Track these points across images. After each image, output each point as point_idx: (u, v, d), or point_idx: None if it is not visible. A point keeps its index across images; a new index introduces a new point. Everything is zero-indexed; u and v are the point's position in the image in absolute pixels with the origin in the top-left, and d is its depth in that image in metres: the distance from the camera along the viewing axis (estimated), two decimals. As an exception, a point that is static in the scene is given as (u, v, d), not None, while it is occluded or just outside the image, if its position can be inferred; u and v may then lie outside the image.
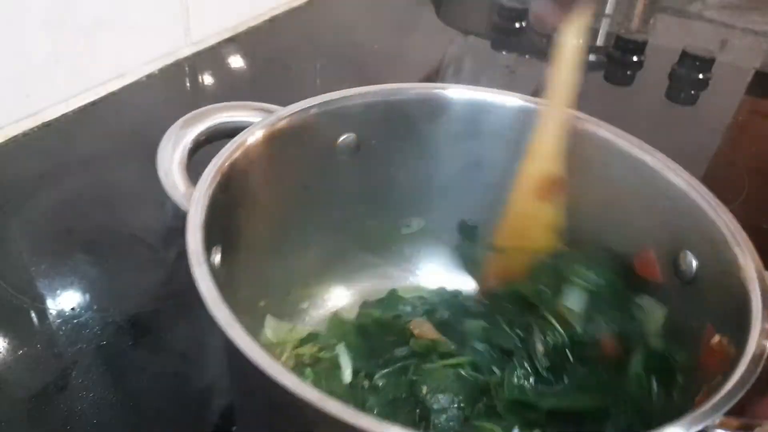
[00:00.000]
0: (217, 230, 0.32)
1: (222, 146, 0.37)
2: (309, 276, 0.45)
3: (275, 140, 0.39)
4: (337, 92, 0.41)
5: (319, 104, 0.41)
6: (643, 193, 0.39)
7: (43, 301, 0.48)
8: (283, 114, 0.39)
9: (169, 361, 0.44)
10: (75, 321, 0.46)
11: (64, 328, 0.46)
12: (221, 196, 0.34)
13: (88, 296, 0.48)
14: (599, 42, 0.98)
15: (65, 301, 0.48)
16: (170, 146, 0.38)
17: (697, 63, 0.85)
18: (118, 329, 0.46)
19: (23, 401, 0.41)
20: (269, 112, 0.40)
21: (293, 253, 0.43)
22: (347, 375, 0.40)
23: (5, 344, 0.44)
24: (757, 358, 0.27)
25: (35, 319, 0.46)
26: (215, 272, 0.29)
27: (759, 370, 0.26)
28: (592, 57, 0.94)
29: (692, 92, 0.86)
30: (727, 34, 1.01)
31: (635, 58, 0.89)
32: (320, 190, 0.43)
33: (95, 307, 0.47)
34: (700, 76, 0.85)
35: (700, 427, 0.24)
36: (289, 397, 0.24)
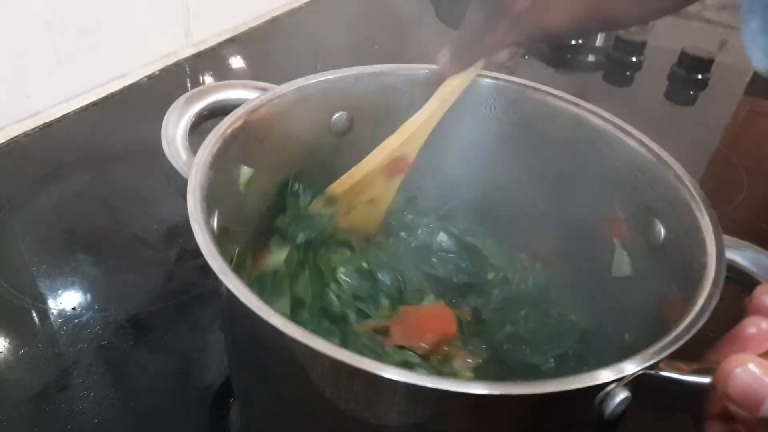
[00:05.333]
0: (216, 196, 0.34)
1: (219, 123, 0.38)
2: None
3: (273, 114, 0.41)
4: (333, 71, 0.43)
5: (316, 82, 0.43)
6: (614, 167, 0.40)
7: (44, 301, 0.48)
8: (280, 91, 0.41)
9: (169, 361, 0.44)
10: (76, 321, 0.46)
11: (65, 327, 0.46)
12: (220, 162, 0.35)
13: (88, 296, 0.49)
14: (599, 42, 0.98)
15: (66, 300, 0.48)
16: (174, 118, 0.40)
17: (696, 63, 0.85)
18: (118, 329, 0.46)
19: (24, 401, 0.41)
20: (266, 90, 0.42)
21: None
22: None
23: (6, 344, 0.44)
24: (703, 309, 0.28)
25: (36, 319, 0.46)
26: (212, 232, 0.30)
27: (704, 320, 0.28)
28: (591, 57, 0.94)
29: (691, 93, 0.86)
30: (727, 35, 1.01)
31: (634, 59, 0.90)
32: (314, 163, 0.44)
33: (96, 307, 0.47)
34: (699, 76, 0.85)
35: (639, 369, 0.26)
36: (280, 338, 0.25)
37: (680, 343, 0.27)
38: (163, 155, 0.38)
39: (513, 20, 0.38)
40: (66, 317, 0.46)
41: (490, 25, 0.39)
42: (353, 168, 0.43)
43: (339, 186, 0.43)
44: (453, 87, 0.42)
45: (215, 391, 0.43)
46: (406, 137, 0.42)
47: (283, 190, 0.44)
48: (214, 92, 0.43)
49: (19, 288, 0.48)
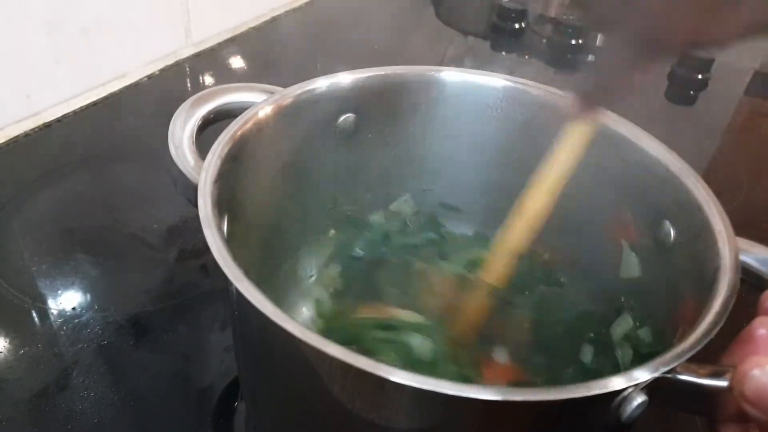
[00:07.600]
0: (225, 201, 0.34)
1: (226, 126, 0.38)
2: (306, 249, 0.47)
3: (281, 117, 0.40)
4: (340, 73, 0.43)
5: (323, 84, 0.42)
6: (622, 167, 0.40)
7: (44, 301, 0.48)
8: (287, 93, 0.41)
9: (169, 361, 0.44)
10: (76, 321, 0.46)
11: (65, 327, 0.46)
12: (229, 166, 0.35)
13: (88, 296, 0.49)
14: (599, 42, 0.98)
15: (66, 300, 0.48)
16: (181, 122, 0.40)
17: (696, 63, 0.85)
18: (118, 329, 0.46)
19: (24, 401, 0.41)
20: (272, 93, 0.42)
21: (292, 227, 0.44)
22: None
23: (6, 344, 0.44)
24: (721, 311, 0.28)
25: (36, 319, 0.46)
26: (224, 237, 0.30)
27: (722, 322, 0.28)
28: (592, 57, 0.94)
29: (691, 92, 0.86)
30: (727, 35, 1.01)
31: (635, 59, 0.89)
32: (320, 167, 0.44)
33: (96, 307, 0.47)
34: (700, 76, 0.85)
35: (658, 373, 0.26)
36: (294, 342, 0.25)
37: (700, 346, 0.26)
38: (171, 159, 0.38)
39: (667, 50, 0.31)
40: (66, 317, 0.46)
41: (639, 61, 0.33)
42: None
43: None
44: (584, 132, 0.35)
45: (220, 393, 0.43)
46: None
47: None
48: (220, 95, 0.42)
49: (19, 288, 0.48)
